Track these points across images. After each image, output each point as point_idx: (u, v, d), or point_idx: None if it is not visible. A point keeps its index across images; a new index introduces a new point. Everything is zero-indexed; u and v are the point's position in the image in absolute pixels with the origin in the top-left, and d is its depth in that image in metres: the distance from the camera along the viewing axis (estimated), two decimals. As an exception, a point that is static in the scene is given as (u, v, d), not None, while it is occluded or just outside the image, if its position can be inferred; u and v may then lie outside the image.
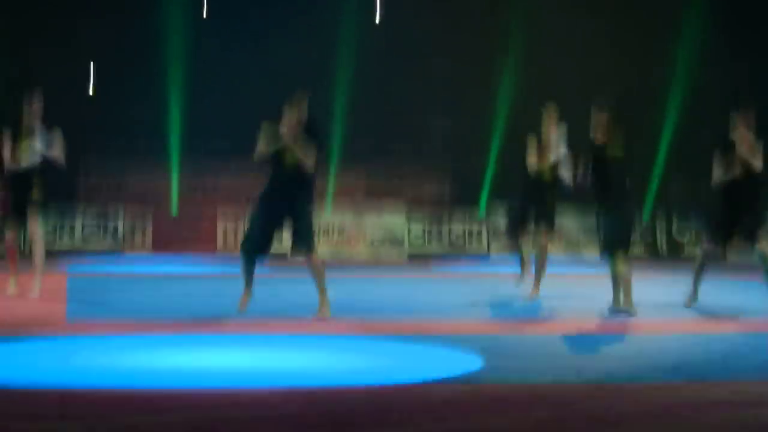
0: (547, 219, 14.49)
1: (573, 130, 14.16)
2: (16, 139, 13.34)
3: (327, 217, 25.22)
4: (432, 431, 6.14)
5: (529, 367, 8.57)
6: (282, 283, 16.82)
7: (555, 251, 24.23)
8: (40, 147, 13.34)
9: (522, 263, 14.91)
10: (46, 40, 26.01)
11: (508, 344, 9.94)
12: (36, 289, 13.53)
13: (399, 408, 6.82)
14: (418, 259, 24.02)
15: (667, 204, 26.37)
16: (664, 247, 24.93)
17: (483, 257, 25.17)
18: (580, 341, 10.24)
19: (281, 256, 23.69)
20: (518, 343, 10.01)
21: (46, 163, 13.44)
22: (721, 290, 15.87)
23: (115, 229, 25.20)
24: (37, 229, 13.55)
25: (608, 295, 12.95)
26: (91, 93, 27.63)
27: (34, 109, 13.44)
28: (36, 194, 13.47)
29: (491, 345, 9.71)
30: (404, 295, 14.90)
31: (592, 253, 24.73)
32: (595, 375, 8.23)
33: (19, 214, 13.50)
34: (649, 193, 25.98)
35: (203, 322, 11.48)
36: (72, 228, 24.68)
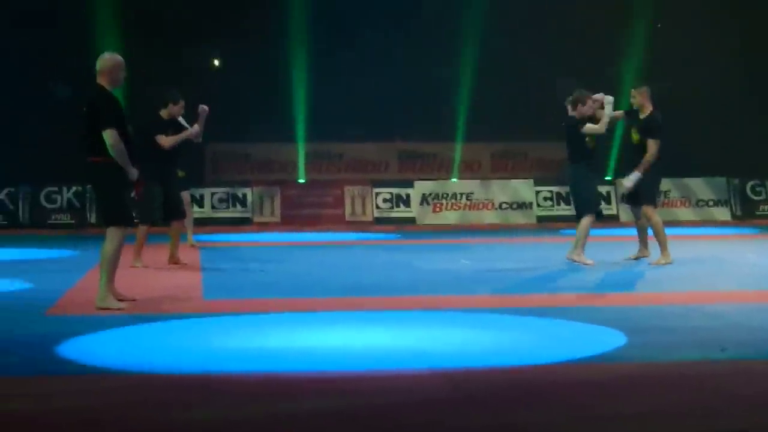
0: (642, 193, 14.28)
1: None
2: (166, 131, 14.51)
3: (453, 183, 25.12)
4: (580, 415, 6.01)
5: (672, 342, 8.35)
6: (414, 254, 16.77)
7: (684, 215, 23.94)
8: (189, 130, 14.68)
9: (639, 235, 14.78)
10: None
11: (648, 317, 9.71)
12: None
13: (543, 390, 6.70)
14: (547, 222, 23.81)
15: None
16: None
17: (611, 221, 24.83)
18: (721, 312, 9.94)
19: (410, 221, 23.74)
20: (659, 316, 9.76)
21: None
22: None
23: (244, 197, 25.37)
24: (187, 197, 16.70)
25: (743, 258, 14.92)
26: (216, 63, 27.91)
27: (180, 106, 14.73)
28: (182, 171, 15.36)
29: (631, 318, 9.51)
30: (536, 263, 14.73)
31: (723, 215, 24.35)
32: (741, 350, 7.99)
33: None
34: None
35: (338, 297, 11.47)
36: (201, 197, 24.92)
